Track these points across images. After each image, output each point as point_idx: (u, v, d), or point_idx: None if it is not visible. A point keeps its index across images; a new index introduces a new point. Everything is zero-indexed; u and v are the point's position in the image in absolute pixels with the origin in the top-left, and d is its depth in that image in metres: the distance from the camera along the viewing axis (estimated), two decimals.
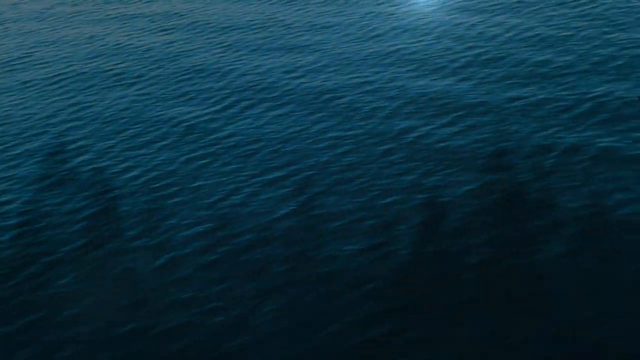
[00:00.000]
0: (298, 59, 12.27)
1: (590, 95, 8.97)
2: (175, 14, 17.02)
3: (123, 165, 8.64)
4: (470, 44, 11.72)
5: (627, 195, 6.73)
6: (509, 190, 7.15)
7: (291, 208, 7.24)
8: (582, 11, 12.37)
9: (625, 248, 6.07)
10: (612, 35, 10.88)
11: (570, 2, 13.03)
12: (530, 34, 11.70)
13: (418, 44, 12.13)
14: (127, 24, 16.44)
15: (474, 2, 14.17)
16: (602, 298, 5.53)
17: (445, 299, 5.75)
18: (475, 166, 7.72)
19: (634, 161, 7.25)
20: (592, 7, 12.48)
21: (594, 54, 10.27)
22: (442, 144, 8.33)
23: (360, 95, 10.22)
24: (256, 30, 14.54)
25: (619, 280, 5.74)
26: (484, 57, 10.99)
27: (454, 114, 9.13)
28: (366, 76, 11.00)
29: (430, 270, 6.08)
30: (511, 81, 9.89)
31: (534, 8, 13.10)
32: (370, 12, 14.63)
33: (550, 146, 7.89)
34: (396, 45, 12.28)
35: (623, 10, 12.02)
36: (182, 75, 12.11)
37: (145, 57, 13.45)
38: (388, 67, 11.28)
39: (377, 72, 11.12)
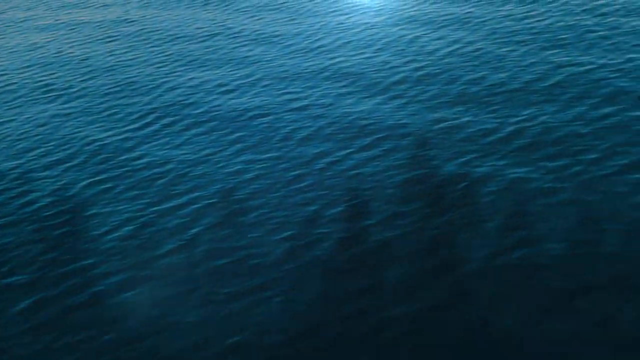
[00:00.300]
0: (234, 72, 11.86)
1: (514, 118, 8.58)
2: (126, 20, 16.59)
3: (20, 190, 8.22)
4: (410, 59, 11.32)
5: (529, 233, 6.34)
6: (410, 226, 6.75)
7: (179, 243, 6.82)
8: (527, 24, 11.98)
9: (522, 292, 5.69)
10: (551, 52, 10.49)
11: (518, 14, 12.65)
12: (470, 48, 11.31)
13: (357, 57, 11.73)
14: (74, 31, 16.00)
15: (423, 12, 13.78)
16: (497, 345, 5.15)
17: (315, 356, 5.36)
18: (382, 197, 7.32)
19: (541, 195, 6.86)
20: (538, 21, 12.09)
21: (529, 72, 9.88)
22: (354, 171, 7.93)
23: (285, 113, 9.82)
24: (201, 40, 14.12)
25: (516, 327, 5.36)
26: (419, 73, 10.59)
27: (374, 136, 8.73)
28: (297, 92, 10.60)
29: (304, 321, 5.69)
30: (440, 100, 9.50)
31: (482, 20, 12.71)
32: (320, 22, 14.23)
33: (463, 175, 7.49)
34: (336, 58, 11.88)
35: (569, 24, 11.64)
36: (111, 87, 11.68)
37: (81, 68, 13.01)
38: (322, 82, 10.88)
39: (310, 88, 10.72)
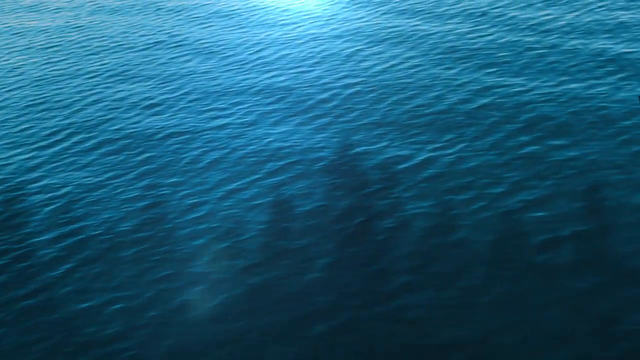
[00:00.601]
0: (164, 85, 11.39)
1: (432, 145, 8.10)
2: (73, 26, 16.10)
3: None
4: (344, 74, 10.86)
5: (410, 278, 5.89)
6: (291, 268, 6.30)
7: (45, 282, 6.36)
8: (469, 40, 11.51)
9: (385, 349, 5.24)
10: (485, 72, 10.03)
11: (463, 29, 12.18)
12: (407, 65, 10.84)
13: (293, 71, 11.26)
14: (19, 37, 15.50)
15: (370, 24, 13.31)
16: None
17: None
18: (274, 232, 6.86)
19: (436, 234, 6.40)
20: (482, 36, 11.63)
21: (458, 93, 9.41)
22: (254, 202, 7.45)
23: (202, 133, 9.35)
24: (141, 49, 13.64)
25: None
26: (350, 91, 10.13)
27: (286, 161, 8.25)
28: (222, 109, 10.13)
29: None
30: (363, 122, 9.03)
31: (426, 34, 12.26)
32: (266, 32, 13.76)
33: (364, 209, 7.03)
34: (272, 72, 11.42)
35: (511, 41, 11.17)
36: (34, 100, 11.19)
37: (11, 77, 12.51)
38: (250, 98, 10.41)
39: (237, 104, 10.25)
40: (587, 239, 6.09)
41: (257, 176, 8.06)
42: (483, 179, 7.25)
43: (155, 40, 14.19)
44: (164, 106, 10.53)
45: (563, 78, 9.29)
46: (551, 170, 7.17)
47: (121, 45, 14.13)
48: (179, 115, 10.08)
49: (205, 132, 9.40)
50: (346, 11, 14.40)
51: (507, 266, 5.85)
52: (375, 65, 11.08)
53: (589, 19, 11.36)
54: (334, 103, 9.85)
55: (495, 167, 7.44)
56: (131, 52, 13.57)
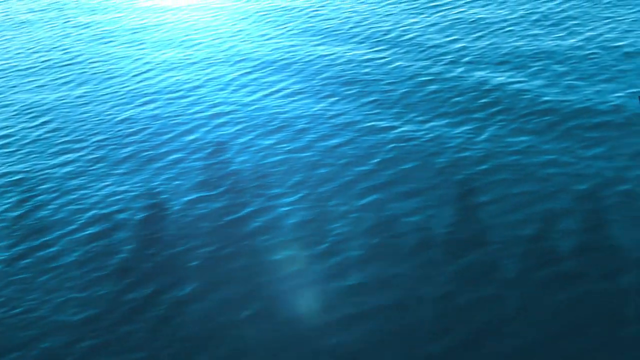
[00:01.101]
0: (23, 116, 10.41)
1: (261, 196, 7.19)
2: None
3: None
4: (217, 102, 9.91)
5: (218, 351, 4.96)
6: (47, 354, 5.36)
7: None
8: (359, 64, 10.57)
9: None
10: (355, 105, 9.11)
11: (359, 52, 11.27)
12: (284, 93, 9.89)
13: (165, 99, 10.29)
14: None
15: (267, 45, 12.37)
16: None
17: None
18: (41, 305, 5.92)
19: (223, 310, 5.46)
20: (372, 60, 10.70)
21: (312, 134, 8.48)
22: (39, 267, 6.51)
23: (35, 175, 8.39)
24: (24, 70, 12.65)
25: None
26: (214, 123, 9.16)
27: (105, 211, 7.30)
28: (72, 142, 9.14)
29: None
30: (205, 163, 8.09)
31: (320, 55, 11.32)
32: (162, 51, 12.81)
33: (150, 279, 6.09)
34: (144, 99, 10.43)
35: (401, 67, 10.27)
36: None
37: None
38: (109, 130, 9.44)
39: (91, 137, 9.29)
40: (391, 313, 5.17)
41: (72, 227, 7.10)
42: (309, 236, 6.30)
43: (45, 59, 13.22)
44: (13, 138, 9.56)
45: (436, 112, 8.35)
46: (383, 227, 6.23)
47: (8, 64, 13.16)
48: (22, 151, 9.12)
49: (41, 172, 8.43)
50: (254, 27, 13.46)
51: (287, 355, 4.92)
52: (254, 92, 10.13)
53: (487, 42, 10.45)
54: (193, 136, 8.90)
55: (327, 221, 6.49)
56: (14, 73, 12.60)
